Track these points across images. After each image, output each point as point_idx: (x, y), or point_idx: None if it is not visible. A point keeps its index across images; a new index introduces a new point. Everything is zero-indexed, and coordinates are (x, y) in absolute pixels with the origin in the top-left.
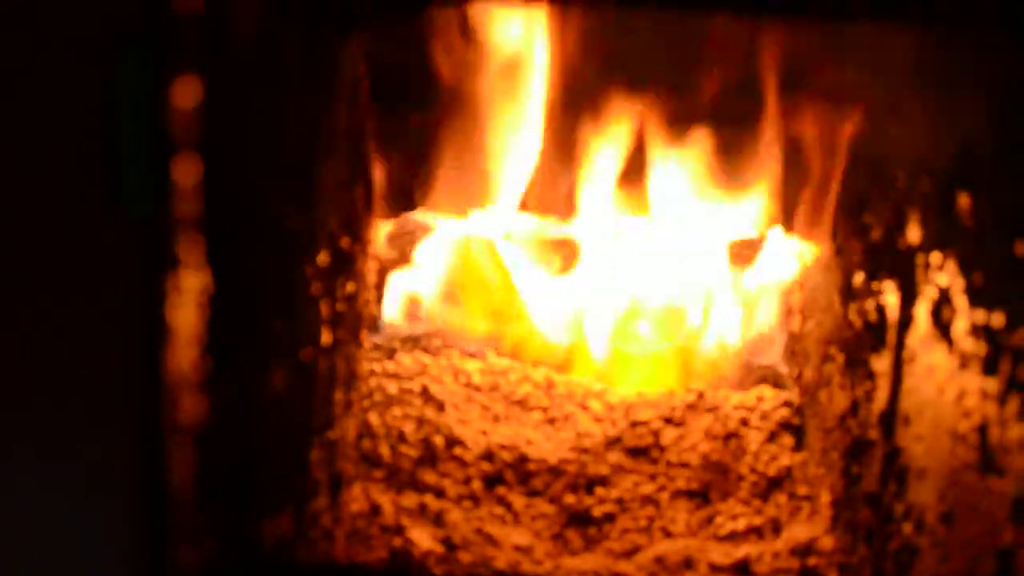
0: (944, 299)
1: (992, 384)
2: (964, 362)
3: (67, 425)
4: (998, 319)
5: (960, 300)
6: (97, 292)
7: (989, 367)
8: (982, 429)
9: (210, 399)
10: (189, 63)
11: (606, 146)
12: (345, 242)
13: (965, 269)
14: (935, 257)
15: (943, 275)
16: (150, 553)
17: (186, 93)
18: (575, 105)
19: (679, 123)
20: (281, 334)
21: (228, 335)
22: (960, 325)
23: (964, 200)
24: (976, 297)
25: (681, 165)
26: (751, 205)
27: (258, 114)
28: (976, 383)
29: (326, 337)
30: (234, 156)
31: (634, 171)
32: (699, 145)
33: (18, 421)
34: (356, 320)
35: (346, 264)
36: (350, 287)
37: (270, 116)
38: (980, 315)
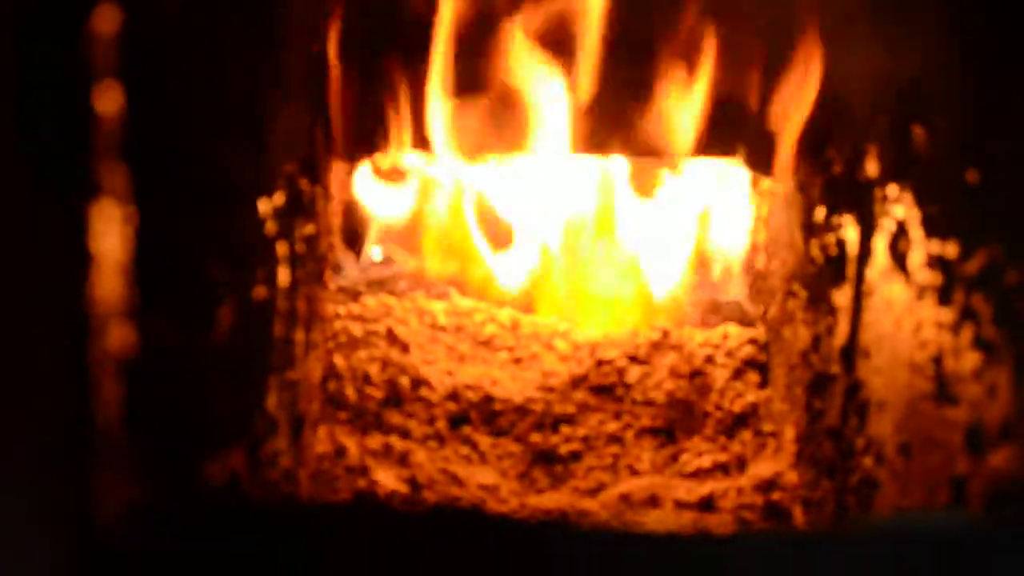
0: (901, 231)
1: (947, 314)
2: (920, 293)
3: None
4: (952, 249)
5: (916, 231)
6: (18, 220)
7: (944, 297)
8: (937, 359)
9: (140, 331)
10: None
11: (565, 86)
12: (304, 184)
13: (921, 200)
14: (892, 189)
15: (900, 207)
16: (76, 492)
17: (107, 19)
18: (533, 44)
19: (635, 61)
20: (227, 271)
21: (163, 268)
22: (916, 257)
23: (919, 132)
24: (931, 228)
25: (645, 103)
26: (713, 143)
27: (198, 48)
28: (932, 314)
29: (284, 277)
30: (168, 88)
31: (597, 111)
32: (661, 83)
33: None
34: (318, 261)
35: (305, 205)
36: (309, 228)
37: (213, 51)
38: (935, 246)
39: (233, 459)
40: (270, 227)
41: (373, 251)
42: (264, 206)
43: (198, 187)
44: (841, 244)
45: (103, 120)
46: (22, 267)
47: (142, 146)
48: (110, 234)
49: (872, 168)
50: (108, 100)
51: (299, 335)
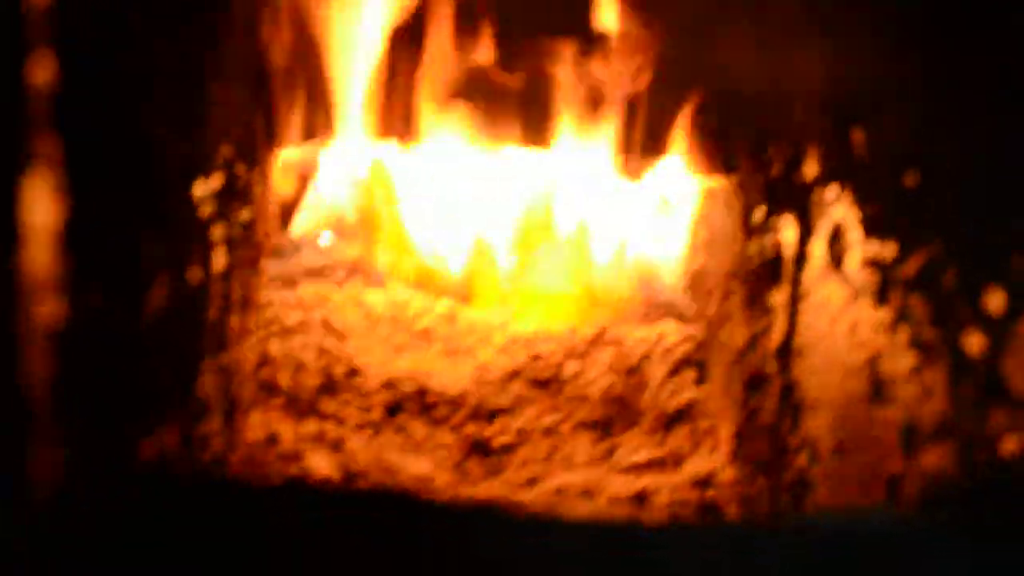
0: (839, 233)
1: (883, 315)
2: (856, 294)
3: None
4: (890, 251)
5: (854, 233)
6: None
7: (881, 298)
8: (873, 360)
9: (72, 304)
10: None
11: (506, 78)
12: (241, 168)
13: (859, 201)
14: (831, 191)
15: (838, 208)
16: (6, 465)
17: None
18: (473, 35)
19: (575, 54)
20: (159, 250)
21: (96, 242)
22: (853, 258)
23: (858, 135)
24: (870, 229)
25: (581, 102)
26: (656, 140)
27: (136, 21)
28: (868, 315)
29: (219, 261)
30: (104, 60)
31: (540, 102)
32: (600, 74)
33: None
34: (255, 247)
35: (241, 190)
36: (246, 214)
37: (152, 26)
38: (873, 247)
39: (165, 438)
40: (206, 209)
41: (311, 239)
42: (200, 188)
43: (133, 163)
44: (778, 245)
45: (36, 89)
46: None
47: (76, 118)
48: (42, 205)
49: (812, 169)
50: (42, 70)
51: (233, 320)
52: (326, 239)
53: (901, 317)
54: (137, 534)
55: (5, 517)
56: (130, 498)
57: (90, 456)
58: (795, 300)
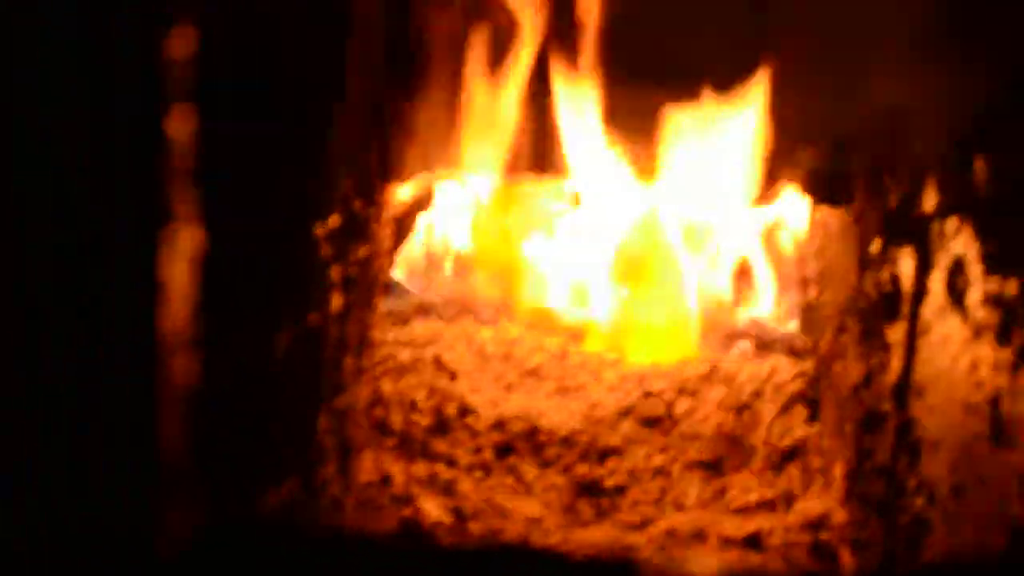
0: (959, 268)
1: (1005, 354)
2: (977, 332)
3: (59, 379)
4: (1012, 287)
5: (975, 268)
6: (93, 248)
7: (1002, 337)
8: (994, 400)
9: (206, 360)
10: (186, 13)
11: (620, 113)
12: (358, 205)
13: (980, 236)
14: (951, 224)
15: (958, 242)
16: (142, 516)
17: (182, 43)
18: (589, 69)
19: (689, 86)
20: (287, 297)
21: (226, 295)
22: (974, 295)
23: (980, 166)
24: (991, 265)
25: (697, 132)
26: (767, 173)
27: (263, 70)
28: (989, 353)
29: (337, 302)
30: (235, 112)
31: (651, 139)
32: (712, 111)
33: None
34: (369, 285)
35: (359, 228)
36: (363, 251)
37: (277, 74)
38: (994, 284)
39: (288, 487)
40: (325, 251)
41: (421, 276)
42: (320, 229)
43: (261, 211)
44: (896, 279)
45: (176, 144)
46: (95, 297)
47: (211, 170)
48: (179, 261)
49: (931, 201)
50: (181, 124)
51: (349, 361)
52: (430, 277)
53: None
54: None
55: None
56: (257, 550)
57: (220, 509)
58: (913, 336)
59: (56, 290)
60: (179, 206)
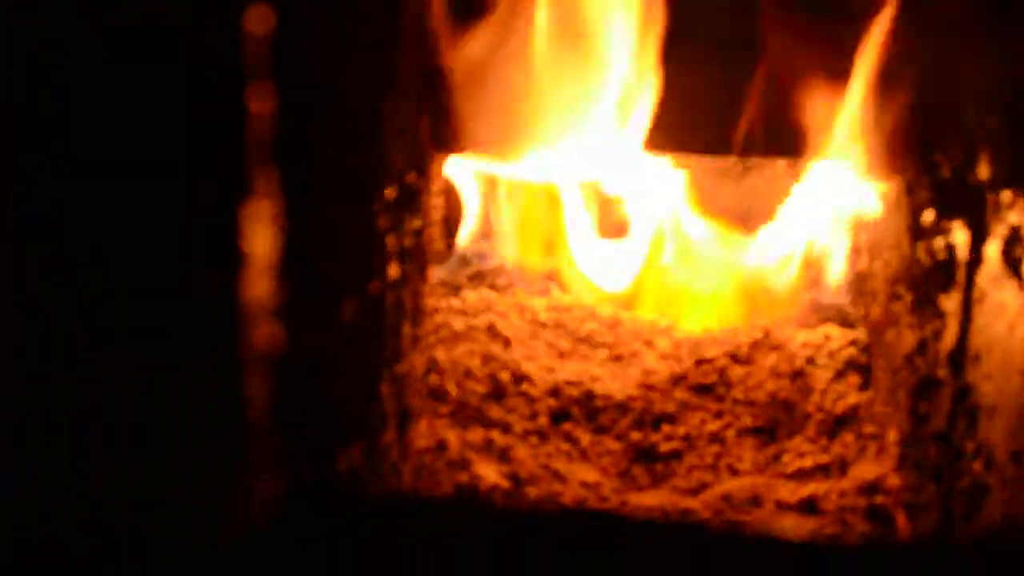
0: (1015, 237)
1: None
2: None
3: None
4: None
5: None
6: (177, 223)
7: None
8: None
9: (287, 329)
10: None
11: (666, 82)
12: (411, 177)
13: None
14: (1005, 195)
15: (1014, 213)
16: (230, 483)
17: (260, 21)
18: (638, 43)
19: (744, 61)
20: (352, 267)
21: (301, 266)
22: None
23: None
24: None
25: (747, 102)
26: (820, 142)
27: (328, 46)
28: None
29: (394, 271)
30: (309, 85)
31: (702, 106)
32: (768, 83)
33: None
34: (423, 255)
35: (413, 199)
36: (417, 222)
37: (340, 49)
38: None
39: (354, 452)
40: (383, 222)
41: (474, 245)
42: (378, 201)
43: (330, 182)
44: (950, 248)
45: (257, 121)
46: (183, 270)
47: (287, 147)
48: (260, 234)
49: (984, 172)
50: (261, 101)
51: (406, 328)
52: (482, 245)
53: None
54: (339, 549)
55: (226, 535)
56: (333, 515)
57: (299, 476)
58: (969, 304)
59: (145, 265)
60: (259, 181)
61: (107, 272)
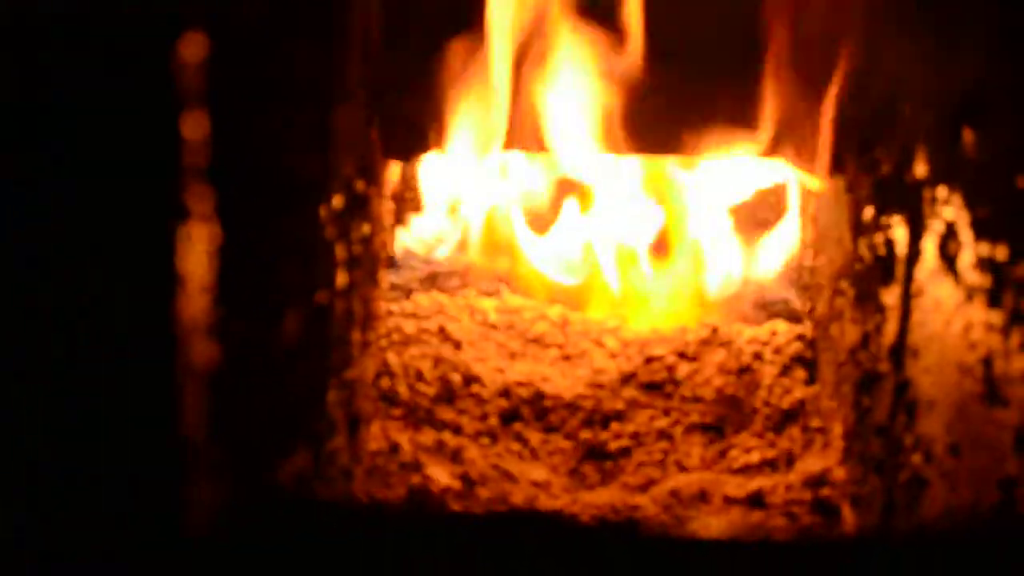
0: (950, 233)
1: (996, 316)
2: (970, 295)
3: (85, 373)
4: (1002, 252)
5: (966, 234)
6: (113, 245)
7: (993, 300)
8: (987, 361)
9: (223, 344)
10: (195, 19)
11: (611, 81)
12: (360, 185)
13: (970, 203)
14: (941, 191)
15: (949, 209)
16: (168, 495)
17: (193, 47)
18: (579, 42)
19: (684, 56)
20: (296, 278)
21: (241, 282)
22: (965, 258)
23: (968, 134)
24: (981, 230)
25: (689, 100)
26: (761, 140)
27: (268, 63)
28: (981, 316)
29: (342, 279)
30: (243, 107)
31: (643, 106)
32: (706, 79)
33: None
34: (373, 261)
35: (361, 207)
36: (365, 229)
37: (281, 63)
38: (985, 248)
39: (299, 459)
40: (330, 231)
41: (424, 248)
42: (324, 210)
43: (269, 198)
44: (890, 244)
45: (190, 145)
46: (116, 291)
47: (224, 166)
48: (196, 254)
49: (921, 169)
50: (195, 126)
51: (355, 335)
52: (431, 249)
53: (1014, 319)
54: (282, 555)
55: (165, 546)
56: (274, 524)
57: (238, 486)
58: (908, 299)
59: (82, 286)
60: (194, 203)
61: (43, 294)
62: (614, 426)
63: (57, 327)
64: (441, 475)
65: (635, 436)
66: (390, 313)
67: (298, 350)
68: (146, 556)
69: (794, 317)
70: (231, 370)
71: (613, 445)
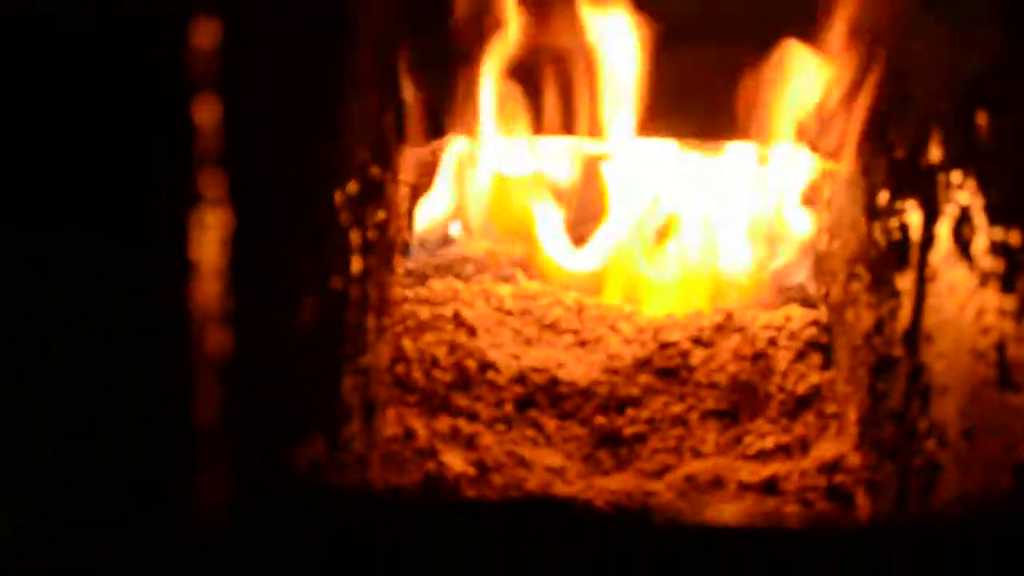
0: (964, 217)
1: (1010, 302)
2: (983, 280)
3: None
4: (1015, 237)
5: (980, 218)
6: (125, 231)
7: (1007, 285)
8: (1000, 346)
9: (236, 332)
10: (208, 4)
11: (630, 65)
12: (375, 171)
13: (984, 187)
14: (956, 175)
15: (963, 193)
16: (179, 485)
17: (205, 33)
18: (600, 25)
19: (702, 40)
20: (310, 265)
21: (255, 268)
22: (980, 243)
23: (983, 118)
24: (995, 215)
25: (706, 85)
26: (777, 124)
27: (280, 48)
28: (995, 300)
29: (357, 265)
30: (257, 92)
31: (661, 91)
32: (724, 65)
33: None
34: (388, 246)
35: (376, 192)
36: (381, 215)
37: (293, 49)
38: (998, 233)
39: (315, 447)
40: (345, 217)
41: (440, 234)
42: (339, 196)
43: (283, 184)
44: (904, 228)
45: (202, 131)
46: (129, 277)
47: (236, 152)
48: (209, 240)
49: (936, 153)
50: (206, 112)
51: (371, 321)
52: (454, 233)
53: None
54: (298, 544)
55: (175, 537)
56: (290, 510)
57: (253, 474)
58: (922, 283)
59: (92, 275)
60: (207, 189)
61: (54, 280)
62: (629, 412)
63: (66, 317)
64: (456, 461)
65: (650, 422)
66: (405, 299)
67: (313, 336)
68: (158, 546)
69: (809, 302)
70: (245, 357)
71: (628, 431)
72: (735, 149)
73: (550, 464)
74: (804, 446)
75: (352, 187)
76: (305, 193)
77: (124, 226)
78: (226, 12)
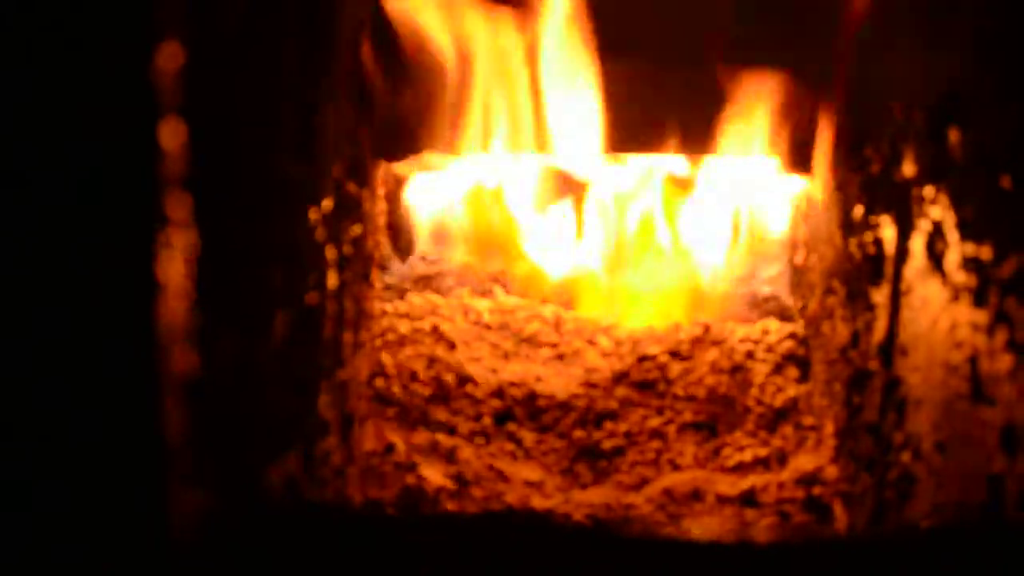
0: (937, 232)
1: (981, 316)
2: (956, 294)
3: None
4: (987, 252)
5: (952, 233)
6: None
7: (979, 299)
8: (973, 360)
9: (206, 350)
10: (174, 25)
11: (603, 81)
12: (351, 186)
13: (956, 203)
14: (928, 191)
15: (936, 208)
16: (151, 504)
17: (171, 55)
18: (569, 42)
19: (678, 58)
20: (284, 281)
21: (226, 286)
22: (952, 258)
23: (955, 135)
24: (966, 230)
25: (682, 100)
26: (754, 141)
27: (253, 67)
28: (967, 315)
29: (333, 280)
30: (227, 112)
31: (639, 110)
32: (700, 80)
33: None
34: (365, 261)
35: (353, 207)
36: (357, 230)
37: (267, 67)
38: (970, 248)
39: (290, 462)
40: (320, 232)
41: (419, 249)
42: (314, 212)
43: (255, 203)
44: (879, 243)
45: (168, 153)
46: (95, 299)
47: (205, 173)
48: (175, 260)
49: (909, 169)
50: (171, 135)
51: (348, 335)
52: (426, 250)
53: (999, 318)
54: (273, 560)
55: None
56: (264, 527)
57: (225, 491)
58: (897, 297)
59: (61, 294)
60: (173, 210)
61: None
62: (607, 425)
63: (32, 338)
64: (435, 475)
65: (628, 435)
66: (384, 313)
67: (288, 352)
68: (132, 566)
69: (786, 315)
70: (216, 374)
71: (606, 444)
72: (712, 163)
73: (529, 478)
74: (782, 458)
75: (327, 203)
76: (278, 210)
77: (89, 248)
78: (197, 29)
